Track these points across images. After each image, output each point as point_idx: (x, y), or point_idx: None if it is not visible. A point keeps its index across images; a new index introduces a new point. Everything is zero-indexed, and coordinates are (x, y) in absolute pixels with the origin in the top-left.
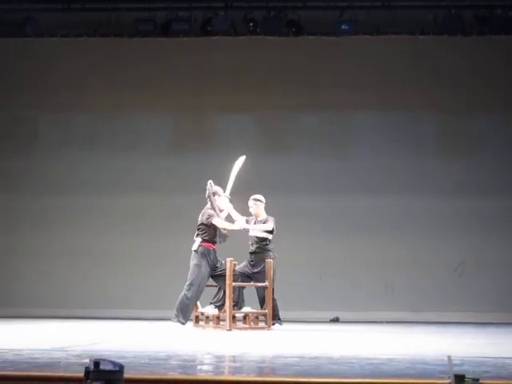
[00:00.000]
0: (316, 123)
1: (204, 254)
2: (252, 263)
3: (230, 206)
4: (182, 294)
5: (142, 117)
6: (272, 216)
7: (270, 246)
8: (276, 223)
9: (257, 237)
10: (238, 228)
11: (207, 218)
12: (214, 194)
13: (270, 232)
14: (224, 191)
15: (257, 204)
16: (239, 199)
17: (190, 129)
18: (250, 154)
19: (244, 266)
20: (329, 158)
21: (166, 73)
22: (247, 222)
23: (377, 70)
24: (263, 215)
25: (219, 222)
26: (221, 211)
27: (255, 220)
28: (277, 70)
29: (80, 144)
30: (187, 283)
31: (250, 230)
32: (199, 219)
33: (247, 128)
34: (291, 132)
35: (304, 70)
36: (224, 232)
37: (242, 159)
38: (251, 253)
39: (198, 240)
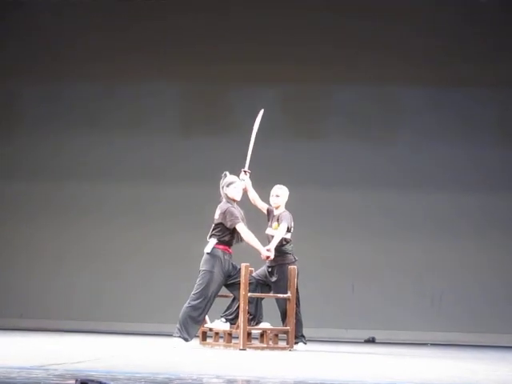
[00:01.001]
0: (353, 100)
1: (219, 258)
2: (269, 270)
3: (251, 189)
4: (187, 304)
5: (144, 89)
6: (289, 212)
7: (289, 248)
8: (294, 219)
9: (273, 236)
10: (262, 251)
11: (229, 220)
12: (226, 185)
13: (288, 230)
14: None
15: (280, 196)
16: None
17: (200, 106)
18: (273, 138)
19: (261, 273)
20: (368, 142)
21: (170, 36)
22: (268, 212)
23: (426, 35)
24: (281, 209)
25: (245, 233)
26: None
27: (272, 215)
28: (306, 34)
29: (70, 120)
30: (194, 291)
31: (272, 244)
32: (216, 216)
33: (269, 104)
34: (323, 111)
35: (339, 36)
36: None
37: (260, 114)
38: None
39: (213, 241)
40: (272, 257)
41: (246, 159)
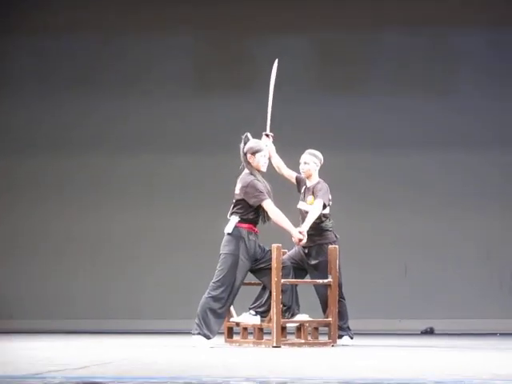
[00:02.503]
0: (403, 44)
1: (242, 239)
2: (306, 251)
3: (275, 155)
4: (206, 295)
5: (150, 40)
6: (325, 182)
7: (329, 224)
8: (331, 190)
9: (307, 212)
10: (294, 233)
11: (253, 197)
12: (250, 152)
13: (324, 206)
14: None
15: (310, 163)
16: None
17: (216, 56)
18: (307, 95)
19: (296, 255)
20: (419, 96)
21: None
22: (298, 181)
23: None
24: (314, 179)
25: (273, 211)
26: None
27: (305, 185)
28: None
29: (60, 79)
30: (215, 279)
31: (306, 225)
32: (237, 191)
33: (301, 55)
34: (367, 58)
35: None
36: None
37: (275, 65)
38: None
39: (235, 219)
40: (305, 241)
41: (266, 120)
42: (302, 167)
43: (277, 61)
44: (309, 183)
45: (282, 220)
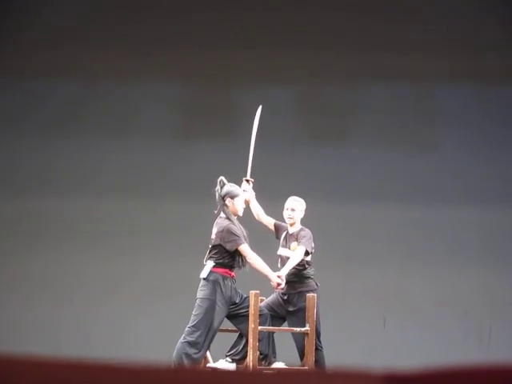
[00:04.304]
0: (384, 97)
1: (218, 283)
2: (285, 298)
3: (254, 201)
4: (182, 339)
5: (133, 87)
6: (309, 231)
7: (311, 271)
8: (316, 237)
9: (288, 258)
10: (272, 277)
11: (229, 241)
12: (229, 196)
13: (307, 253)
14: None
15: (297, 210)
16: (269, 206)
17: (201, 105)
18: (289, 144)
19: (274, 302)
20: (404, 147)
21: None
22: (277, 228)
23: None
24: (297, 226)
25: (250, 255)
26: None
27: (287, 232)
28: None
29: (42, 122)
30: (190, 324)
31: (285, 269)
32: (213, 236)
33: (285, 105)
34: (349, 110)
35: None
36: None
37: (258, 112)
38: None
39: (210, 264)
40: (283, 285)
41: (247, 166)
42: (288, 213)
43: (260, 107)
44: (291, 230)
45: (259, 264)
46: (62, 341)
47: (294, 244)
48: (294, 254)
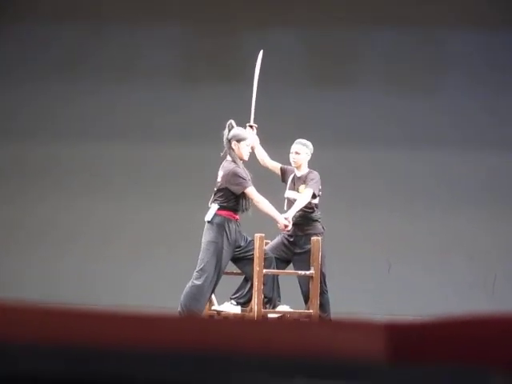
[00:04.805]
0: (391, 41)
1: (222, 226)
2: (291, 240)
3: (258, 146)
4: (190, 283)
5: (137, 30)
6: (315, 170)
7: (317, 214)
8: (321, 181)
9: (295, 200)
10: (279, 219)
11: (235, 184)
12: (235, 139)
13: (314, 196)
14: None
15: (302, 153)
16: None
17: (205, 49)
18: (294, 89)
19: (279, 245)
20: (410, 94)
21: None
22: (283, 171)
23: None
24: (304, 169)
25: (257, 198)
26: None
27: (294, 175)
28: None
29: (46, 65)
30: (197, 268)
31: (292, 211)
32: (219, 179)
33: (288, 49)
34: (352, 53)
35: None
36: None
37: (259, 56)
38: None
39: (214, 207)
40: (290, 227)
41: (251, 111)
42: (293, 157)
43: (261, 52)
44: (299, 173)
45: (266, 206)
46: (61, 288)
47: (302, 187)
48: (302, 196)
